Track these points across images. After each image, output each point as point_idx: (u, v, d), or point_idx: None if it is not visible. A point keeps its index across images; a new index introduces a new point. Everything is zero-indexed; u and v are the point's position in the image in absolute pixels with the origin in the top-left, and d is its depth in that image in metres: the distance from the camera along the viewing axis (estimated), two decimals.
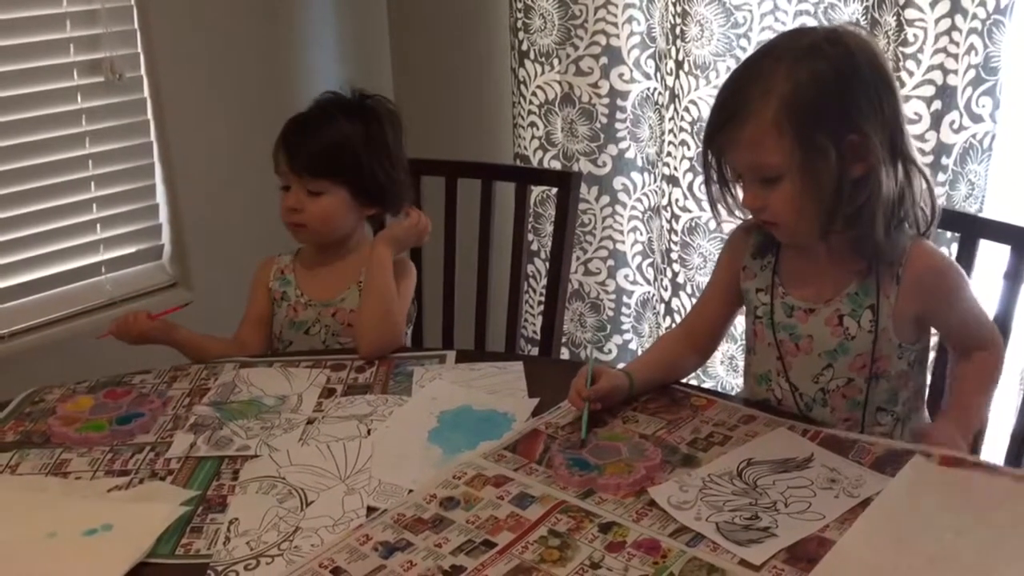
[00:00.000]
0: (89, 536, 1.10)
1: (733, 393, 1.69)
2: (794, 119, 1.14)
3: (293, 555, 1.07)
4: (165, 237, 2.31)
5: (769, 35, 1.80)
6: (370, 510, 1.15)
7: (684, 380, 1.43)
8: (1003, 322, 1.41)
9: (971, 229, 1.47)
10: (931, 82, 1.61)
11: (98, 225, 2.19)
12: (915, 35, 1.59)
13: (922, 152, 1.65)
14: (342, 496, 1.18)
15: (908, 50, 1.60)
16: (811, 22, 1.77)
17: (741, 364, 1.58)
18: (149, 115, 2.21)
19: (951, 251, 1.68)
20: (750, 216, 1.28)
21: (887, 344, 1.26)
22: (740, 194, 1.25)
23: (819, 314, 1.27)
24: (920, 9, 1.58)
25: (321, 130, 1.61)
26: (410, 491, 1.18)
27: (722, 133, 1.20)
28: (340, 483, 1.21)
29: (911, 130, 1.64)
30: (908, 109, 1.64)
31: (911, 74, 1.61)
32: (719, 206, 1.29)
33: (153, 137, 2.23)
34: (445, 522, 1.11)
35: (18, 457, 1.29)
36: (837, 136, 1.14)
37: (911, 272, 1.23)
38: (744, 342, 1.44)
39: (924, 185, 1.23)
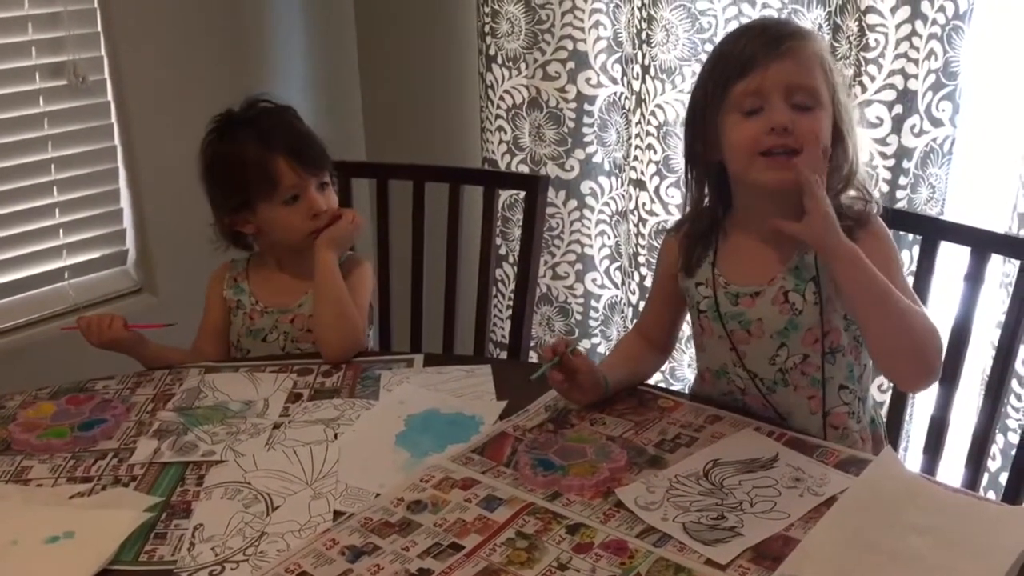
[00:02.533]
0: (51, 544, 1.09)
1: None
2: (828, 67, 1.24)
3: (259, 560, 1.06)
4: (129, 242, 2.29)
5: None
6: (337, 514, 1.14)
7: (651, 381, 1.45)
8: (963, 324, 1.44)
9: (932, 231, 1.49)
10: (892, 87, 1.63)
11: (61, 230, 2.16)
12: (876, 40, 1.61)
13: (884, 156, 1.67)
14: (308, 501, 1.17)
15: (869, 55, 1.63)
16: None
17: None
18: (113, 119, 2.18)
19: (912, 254, 1.70)
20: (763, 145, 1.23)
21: (835, 315, 1.27)
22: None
23: (765, 295, 1.29)
24: (881, 14, 1.60)
25: (289, 125, 1.61)
26: (377, 495, 1.18)
27: (778, 48, 1.21)
28: (307, 488, 1.20)
29: (873, 133, 1.67)
30: (870, 113, 1.66)
31: (872, 79, 1.64)
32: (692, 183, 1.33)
33: (117, 141, 2.20)
34: (412, 525, 1.11)
35: None
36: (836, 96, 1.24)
37: (852, 237, 1.23)
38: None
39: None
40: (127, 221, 2.27)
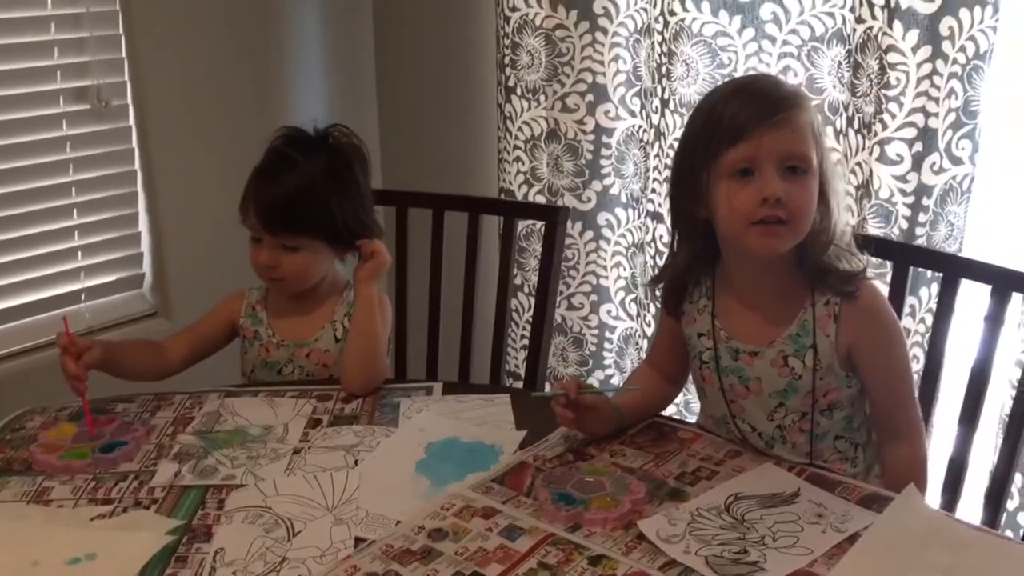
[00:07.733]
0: (73, 565, 1.09)
1: None
2: (818, 132, 1.23)
3: None
4: (146, 266, 2.30)
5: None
6: (358, 541, 1.14)
7: (667, 413, 1.44)
8: (983, 364, 1.44)
9: (953, 269, 1.49)
10: (912, 124, 1.64)
11: (79, 252, 2.17)
12: (897, 78, 1.63)
13: (903, 193, 1.68)
14: (329, 527, 1.17)
15: (890, 93, 1.64)
16: (795, 64, 1.81)
17: None
18: (134, 143, 2.20)
19: (931, 291, 1.71)
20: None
21: (835, 377, 1.27)
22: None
23: (764, 356, 1.28)
24: (902, 53, 1.61)
25: (288, 182, 1.53)
26: (398, 522, 1.17)
27: (772, 118, 1.19)
28: (327, 513, 1.20)
29: (893, 171, 1.68)
30: (890, 150, 1.67)
31: (893, 116, 1.65)
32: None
33: (137, 166, 2.22)
34: (434, 553, 1.11)
35: None
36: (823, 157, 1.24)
37: (855, 305, 1.24)
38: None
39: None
40: (144, 245, 2.28)
